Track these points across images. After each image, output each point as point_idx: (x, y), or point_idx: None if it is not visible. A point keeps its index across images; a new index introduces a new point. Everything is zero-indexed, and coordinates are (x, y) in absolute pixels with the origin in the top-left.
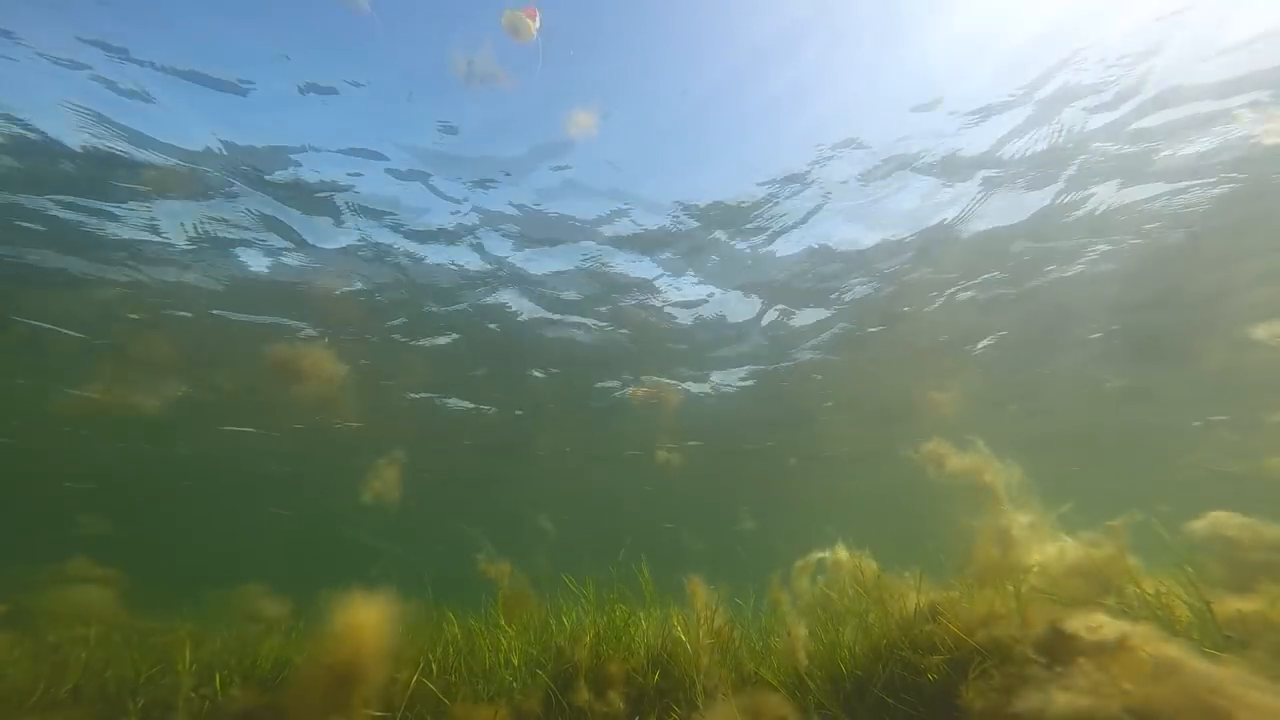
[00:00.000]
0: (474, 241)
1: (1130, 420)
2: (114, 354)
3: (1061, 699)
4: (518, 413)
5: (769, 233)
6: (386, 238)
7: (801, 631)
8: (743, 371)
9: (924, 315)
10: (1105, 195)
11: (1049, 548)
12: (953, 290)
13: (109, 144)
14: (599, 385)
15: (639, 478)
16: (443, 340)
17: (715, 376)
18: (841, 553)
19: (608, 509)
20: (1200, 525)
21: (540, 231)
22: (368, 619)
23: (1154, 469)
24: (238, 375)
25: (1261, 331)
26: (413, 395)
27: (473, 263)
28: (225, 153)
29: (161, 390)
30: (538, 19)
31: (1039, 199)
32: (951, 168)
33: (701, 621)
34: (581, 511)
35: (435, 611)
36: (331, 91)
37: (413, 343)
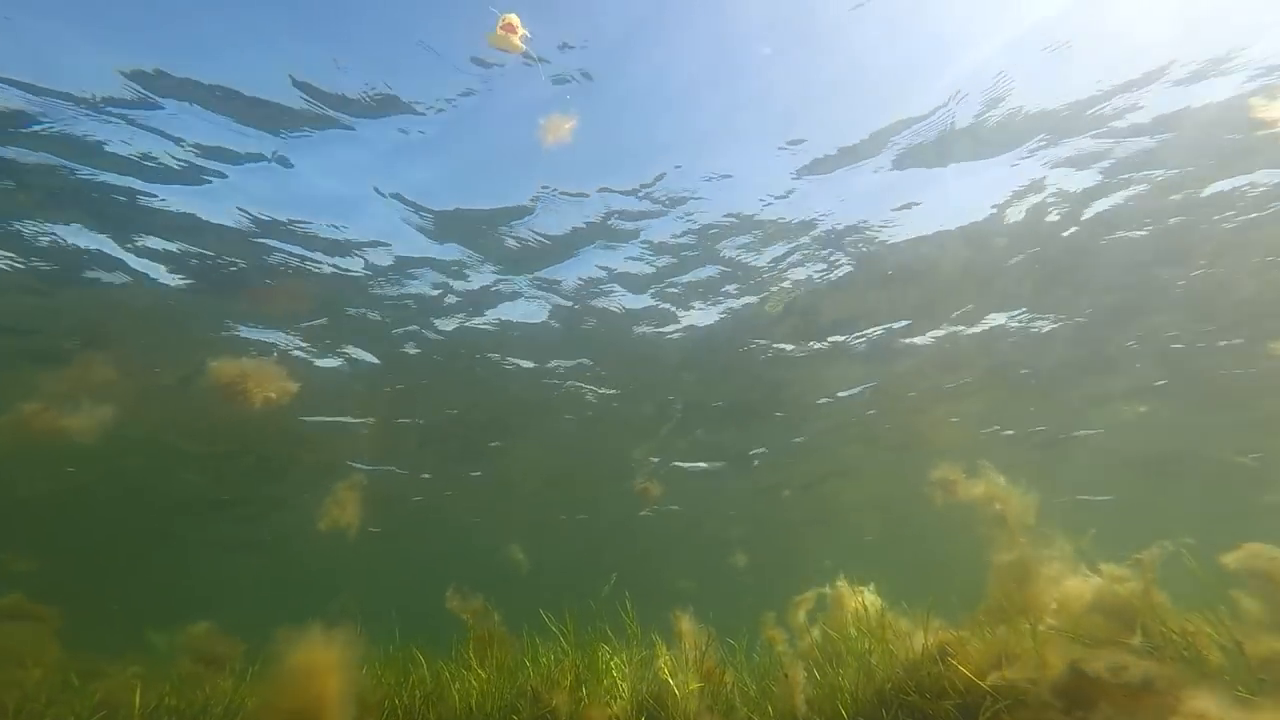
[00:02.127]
0: None
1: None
2: None
3: None
4: None
5: None
6: None
7: (799, 674)
8: None
9: None
10: None
11: (1069, 582)
12: None
13: None
14: None
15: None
16: None
17: None
18: (842, 588)
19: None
20: (1234, 558)
21: None
22: (327, 660)
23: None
24: None
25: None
26: None
27: None
28: None
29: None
30: (520, 26)
31: None
32: None
33: (690, 663)
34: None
35: (402, 650)
36: None
37: None
